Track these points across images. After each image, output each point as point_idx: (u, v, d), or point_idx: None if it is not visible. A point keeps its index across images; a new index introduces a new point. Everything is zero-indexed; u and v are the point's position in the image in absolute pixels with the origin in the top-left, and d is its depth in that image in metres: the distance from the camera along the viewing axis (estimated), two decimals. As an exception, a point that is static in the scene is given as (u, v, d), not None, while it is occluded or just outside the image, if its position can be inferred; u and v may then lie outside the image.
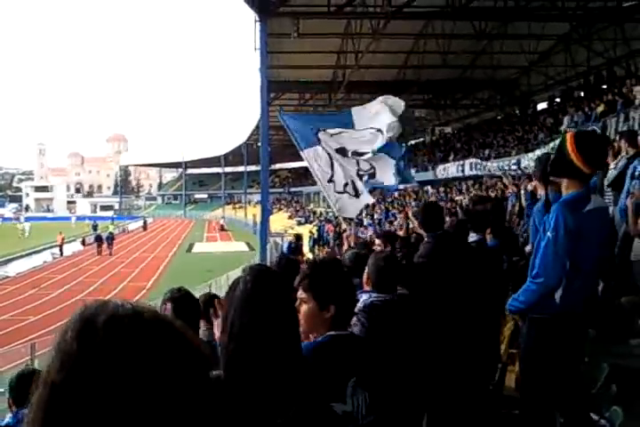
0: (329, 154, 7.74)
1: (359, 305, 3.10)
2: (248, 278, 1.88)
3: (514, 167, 22.91)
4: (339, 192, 7.77)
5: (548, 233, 3.16)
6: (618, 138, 7.31)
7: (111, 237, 41.52)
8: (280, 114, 8.82)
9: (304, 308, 2.28)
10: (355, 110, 7.98)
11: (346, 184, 7.74)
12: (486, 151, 29.21)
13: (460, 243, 4.72)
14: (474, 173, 27.42)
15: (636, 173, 5.83)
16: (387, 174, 7.69)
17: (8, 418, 3.96)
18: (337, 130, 7.74)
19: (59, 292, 25.29)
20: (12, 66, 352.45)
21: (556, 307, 3.25)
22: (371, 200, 8.63)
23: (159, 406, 0.74)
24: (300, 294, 2.31)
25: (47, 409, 0.75)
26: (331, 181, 7.76)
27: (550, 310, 3.25)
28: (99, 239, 40.91)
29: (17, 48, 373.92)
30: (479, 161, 27.48)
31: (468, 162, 28.81)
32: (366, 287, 3.45)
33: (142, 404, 0.73)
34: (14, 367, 11.84)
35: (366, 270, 3.47)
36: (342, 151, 7.73)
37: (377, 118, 7.63)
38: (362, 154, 7.66)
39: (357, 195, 7.80)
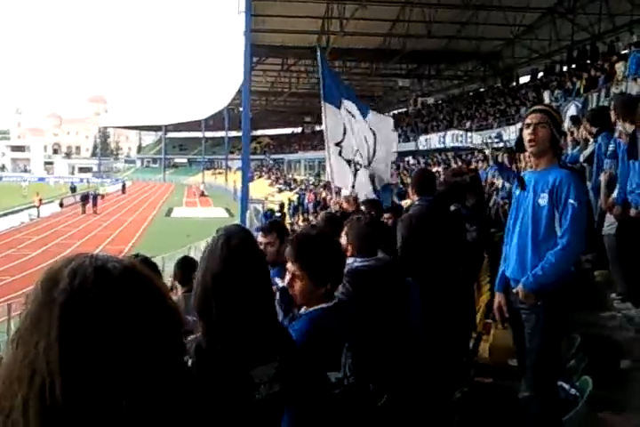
0: (344, 122, 7.60)
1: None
2: (222, 236, 1.92)
3: (496, 140, 23.04)
4: (344, 159, 7.62)
5: (571, 200, 3.09)
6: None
7: (96, 197, 43.19)
8: (319, 49, 8.59)
9: (299, 284, 2.28)
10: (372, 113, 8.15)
11: (353, 157, 7.64)
12: (468, 123, 29.29)
13: (446, 209, 4.87)
14: (455, 144, 27.53)
15: (609, 151, 5.95)
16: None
17: None
18: (352, 110, 7.71)
19: (36, 253, 25.19)
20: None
21: (571, 277, 3.24)
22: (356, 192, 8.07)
23: (132, 352, 0.80)
24: (295, 270, 2.29)
25: (13, 357, 0.80)
26: (339, 144, 7.58)
27: (565, 281, 3.20)
28: (84, 198, 42.11)
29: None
30: (461, 133, 27.56)
31: (449, 133, 28.89)
32: (346, 253, 3.40)
33: (106, 358, 0.78)
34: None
35: (347, 237, 3.49)
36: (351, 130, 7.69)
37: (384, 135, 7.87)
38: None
39: (356, 173, 7.66)
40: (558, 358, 3.47)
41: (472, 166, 16.62)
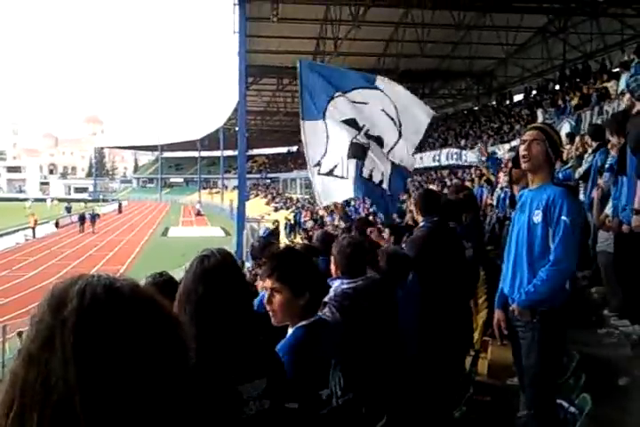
0: (326, 131, 7.15)
1: (330, 293, 3.16)
2: (198, 257, 2.02)
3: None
4: (323, 174, 7.20)
5: (564, 217, 3.09)
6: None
7: (94, 216, 44.22)
8: (300, 63, 7.83)
9: (278, 298, 2.32)
10: (380, 79, 7.31)
11: (335, 166, 7.15)
12: (462, 141, 29.48)
13: (449, 228, 4.91)
14: (450, 162, 27.67)
15: (606, 166, 5.99)
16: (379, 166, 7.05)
17: None
18: (359, 98, 7.14)
19: (31, 274, 25.04)
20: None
21: (566, 295, 3.23)
22: (348, 195, 7.65)
23: (137, 373, 0.81)
24: (272, 284, 2.33)
25: (24, 378, 0.80)
26: (318, 164, 7.21)
27: (560, 299, 3.20)
28: (82, 218, 43.14)
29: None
30: (456, 150, 27.72)
31: (444, 151, 29.06)
32: (335, 274, 3.47)
33: (120, 373, 0.80)
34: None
35: (333, 258, 3.51)
36: (353, 123, 7.14)
37: (405, 108, 7.05)
38: (377, 139, 7.04)
39: (346, 177, 7.15)
40: (556, 375, 3.46)
41: (466, 184, 16.73)
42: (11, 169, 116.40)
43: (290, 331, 2.38)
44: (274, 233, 14.51)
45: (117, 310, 0.83)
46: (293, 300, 2.33)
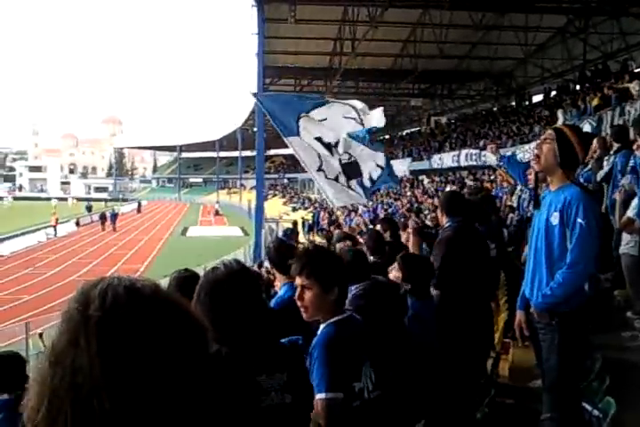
0: (310, 145, 7.38)
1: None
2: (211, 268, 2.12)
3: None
4: (331, 179, 7.38)
5: (580, 220, 3.07)
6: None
7: (114, 215, 45.22)
8: (257, 97, 8.15)
9: (308, 294, 2.42)
10: (331, 101, 7.68)
11: (337, 175, 7.38)
12: (481, 142, 29.37)
13: (475, 229, 4.94)
14: (470, 163, 27.55)
15: (628, 168, 5.95)
16: (368, 164, 7.35)
17: None
18: (320, 116, 7.33)
19: (52, 272, 25.38)
20: (9, 46, 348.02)
21: (585, 297, 3.22)
22: (362, 200, 7.99)
23: (164, 362, 0.85)
24: (302, 281, 2.43)
25: (52, 375, 0.83)
26: (320, 169, 7.40)
27: (579, 301, 3.19)
28: (103, 217, 44.35)
29: (13, 28, 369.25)
30: (475, 151, 27.59)
31: (463, 152, 28.95)
32: None
33: (143, 369, 0.83)
34: (9, 345, 12.01)
35: None
36: (321, 141, 7.36)
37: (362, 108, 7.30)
38: (336, 144, 7.28)
39: (350, 187, 7.40)
40: (578, 378, 3.45)
41: (486, 185, 16.68)
42: (32, 169, 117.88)
43: (321, 326, 2.45)
44: (292, 233, 14.50)
45: (138, 309, 0.86)
46: (324, 296, 2.41)
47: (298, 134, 7.36)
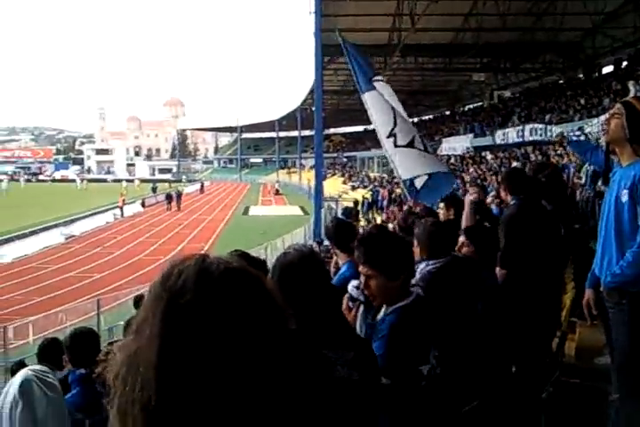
0: (387, 102, 7.14)
1: (417, 276, 3.15)
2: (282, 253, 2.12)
3: (577, 133, 22.19)
4: (402, 146, 7.03)
5: None
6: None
7: (179, 195, 46.65)
8: (343, 39, 8.15)
9: (374, 282, 2.39)
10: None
11: (413, 138, 7.05)
12: (547, 116, 28.39)
13: (540, 206, 4.83)
14: (535, 138, 26.66)
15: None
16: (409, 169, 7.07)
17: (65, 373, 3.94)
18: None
19: (120, 251, 26.35)
20: (75, 32, 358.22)
21: None
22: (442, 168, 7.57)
23: (250, 349, 0.82)
24: (366, 271, 2.40)
25: (128, 346, 0.83)
26: (391, 135, 7.07)
27: None
28: (169, 197, 45.80)
29: (77, 13, 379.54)
30: (540, 126, 26.64)
31: (528, 127, 28.02)
32: (418, 257, 3.43)
33: (215, 351, 0.80)
34: (82, 321, 12.61)
35: (416, 240, 3.49)
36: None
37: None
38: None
39: (427, 150, 7.06)
40: None
41: (552, 160, 16.16)
42: (99, 151, 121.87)
43: (384, 310, 2.45)
44: (352, 212, 14.47)
45: (205, 293, 0.83)
46: (388, 284, 2.38)
47: (374, 88, 7.24)
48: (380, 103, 7.15)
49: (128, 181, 70.60)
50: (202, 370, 0.79)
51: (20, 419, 1.81)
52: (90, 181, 78.40)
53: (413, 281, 2.96)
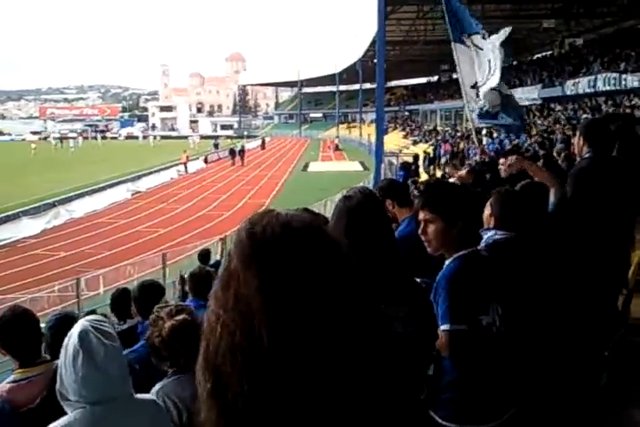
0: (472, 57, 7.37)
1: (482, 243, 3.07)
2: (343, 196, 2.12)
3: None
4: (493, 89, 7.21)
5: None
6: None
7: (242, 150, 47.85)
8: None
9: (431, 228, 2.39)
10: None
11: (499, 83, 7.23)
12: (622, 64, 26.78)
13: (617, 159, 4.58)
14: (608, 88, 25.26)
15: None
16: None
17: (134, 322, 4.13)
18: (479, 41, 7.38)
19: (184, 207, 27.00)
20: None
21: None
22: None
23: (322, 298, 0.86)
24: (425, 215, 2.40)
25: (223, 292, 0.88)
26: (474, 87, 7.32)
27: None
28: (232, 153, 47.21)
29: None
30: (614, 75, 25.16)
31: (601, 76, 26.56)
32: (487, 225, 3.35)
33: (310, 299, 0.85)
34: (148, 274, 13.07)
35: (491, 208, 3.38)
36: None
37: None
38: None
39: (510, 96, 7.32)
40: None
41: (627, 112, 15.33)
42: (163, 108, 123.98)
43: (447, 262, 2.42)
44: (411, 168, 14.16)
45: (292, 245, 0.88)
46: (447, 230, 2.37)
47: (464, 43, 7.46)
48: (463, 55, 7.47)
49: (190, 137, 71.90)
50: (303, 312, 0.84)
51: (83, 366, 1.87)
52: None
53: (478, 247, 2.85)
